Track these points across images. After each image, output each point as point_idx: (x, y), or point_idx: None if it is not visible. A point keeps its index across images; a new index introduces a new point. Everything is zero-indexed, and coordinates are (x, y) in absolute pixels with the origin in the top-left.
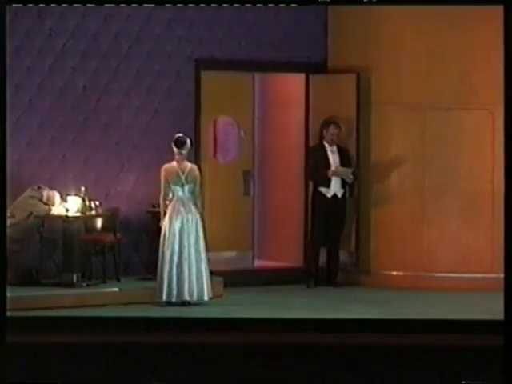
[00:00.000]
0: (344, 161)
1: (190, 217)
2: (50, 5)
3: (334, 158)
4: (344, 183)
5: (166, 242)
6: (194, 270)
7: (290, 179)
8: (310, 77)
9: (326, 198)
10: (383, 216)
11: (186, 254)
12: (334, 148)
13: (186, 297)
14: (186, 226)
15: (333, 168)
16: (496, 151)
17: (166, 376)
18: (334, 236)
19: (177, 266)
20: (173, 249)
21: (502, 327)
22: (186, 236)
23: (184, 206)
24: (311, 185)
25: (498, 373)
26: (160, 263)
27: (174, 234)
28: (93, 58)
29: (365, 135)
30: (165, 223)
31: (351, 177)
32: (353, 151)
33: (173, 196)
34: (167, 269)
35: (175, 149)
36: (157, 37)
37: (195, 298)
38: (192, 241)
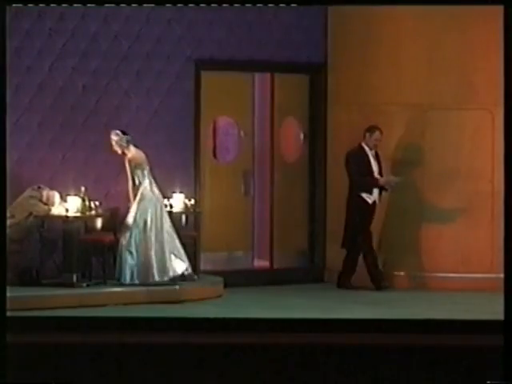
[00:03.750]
0: (381, 166)
1: (160, 200)
2: (50, 5)
3: (374, 164)
4: (381, 189)
5: (152, 225)
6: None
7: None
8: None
9: (367, 203)
10: (383, 216)
11: (160, 235)
12: (373, 153)
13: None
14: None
15: (383, 177)
16: (496, 151)
17: (166, 376)
18: (370, 240)
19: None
20: (156, 231)
21: (502, 327)
22: (160, 219)
23: (154, 191)
24: (342, 188)
25: (497, 373)
26: (145, 245)
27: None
28: (93, 58)
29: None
30: (144, 209)
31: (394, 186)
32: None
33: (140, 183)
34: (154, 250)
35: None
36: (156, 37)
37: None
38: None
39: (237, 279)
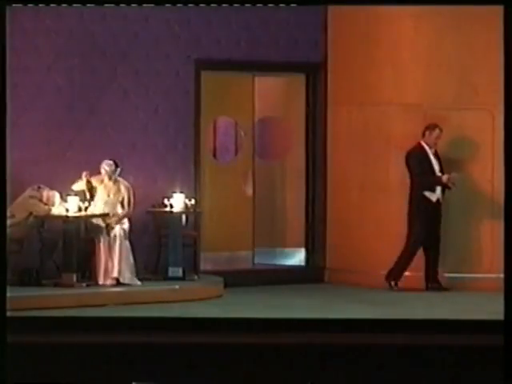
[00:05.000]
0: (441, 164)
1: None
2: (50, 5)
3: (435, 162)
4: (443, 188)
5: None
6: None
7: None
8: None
9: (431, 201)
10: (383, 216)
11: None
12: (433, 151)
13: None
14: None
15: (445, 175)
16: (496, 151)
17: (166, 376)
18: (436, 240)
19: None
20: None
21: (502, 327)
22: None
23: None
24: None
25: (497, 373)
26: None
27: None
28: (92, 58)
29: (364, 135)
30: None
31: (455, 183)
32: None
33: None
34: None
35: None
36: (156, 36)
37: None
38: None
39: (237, 279)
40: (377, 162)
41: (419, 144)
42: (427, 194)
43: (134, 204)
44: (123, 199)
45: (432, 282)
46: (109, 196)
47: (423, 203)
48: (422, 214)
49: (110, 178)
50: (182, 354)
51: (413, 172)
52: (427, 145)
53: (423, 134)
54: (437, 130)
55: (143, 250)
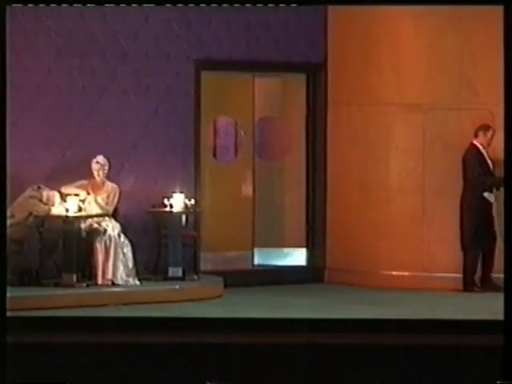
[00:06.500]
0: (494, 165)
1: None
2: (50, 5)
3: (490, 162)
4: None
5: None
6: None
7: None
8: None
9: (490, 203)
10: (383, 216)
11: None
12: (485, 151)
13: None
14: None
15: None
16: (496, 151)
17: (166, 376)
18: (493, 240)
19: None
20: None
21: (502, 327)
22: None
23: None
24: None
25: (497, 373)
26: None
27: None
28: (92, 58)
29: (364, 135)
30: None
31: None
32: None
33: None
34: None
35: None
36: (156, 36)
37: None
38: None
39: (237, 279)
40: (377, 162)
41: (474, 145)
42: (486, 195)
43: (117, 204)
44: (108, 198)
45: (488, 282)
46: (96, 195)
47: (482, 204)
48: (480, 216)
49: (98, 175)
50: (182, 354)
51: (472, 173)
52: (481, 145)
53: (475, 135)
54: (491, 131)
55: (143, 250)
